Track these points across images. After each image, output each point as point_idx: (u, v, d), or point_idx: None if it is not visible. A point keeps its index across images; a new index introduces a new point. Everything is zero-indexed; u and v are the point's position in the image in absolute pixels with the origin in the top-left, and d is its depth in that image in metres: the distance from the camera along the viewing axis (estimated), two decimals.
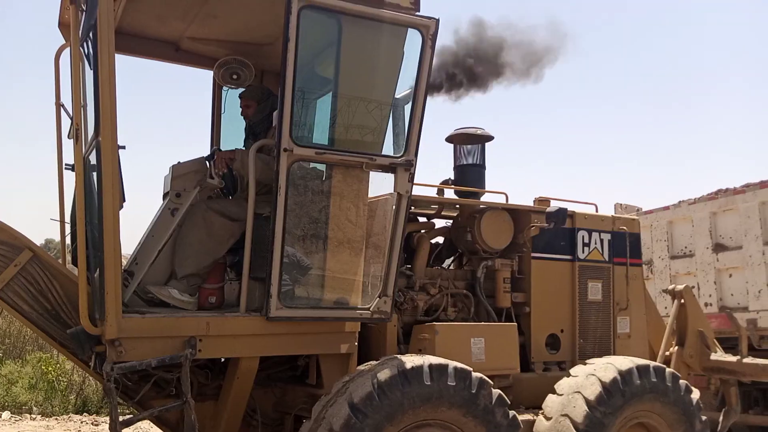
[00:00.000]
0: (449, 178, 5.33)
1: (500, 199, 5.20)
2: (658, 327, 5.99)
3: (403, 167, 3.98)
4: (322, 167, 3.97)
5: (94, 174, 3.42)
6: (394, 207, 3.96)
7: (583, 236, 5.29)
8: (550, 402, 4.38)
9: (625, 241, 5.46)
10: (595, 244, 5.33)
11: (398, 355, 3.78)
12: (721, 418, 6.09)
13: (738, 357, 5.82)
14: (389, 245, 3.91)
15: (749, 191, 7.58)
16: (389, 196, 4.06)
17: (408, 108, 4.09)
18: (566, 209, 5.02)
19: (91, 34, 3.36)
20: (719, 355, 5.86)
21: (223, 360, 3.98)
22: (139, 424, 6.40)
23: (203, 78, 5.12)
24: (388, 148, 4.13)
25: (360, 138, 4.14)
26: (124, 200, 3.72)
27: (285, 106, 3.59)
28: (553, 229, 5.01)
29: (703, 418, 4.66)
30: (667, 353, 5.80)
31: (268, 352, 3.76)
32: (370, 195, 4.08)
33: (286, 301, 3.58)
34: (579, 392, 4.24)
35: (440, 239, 5.43)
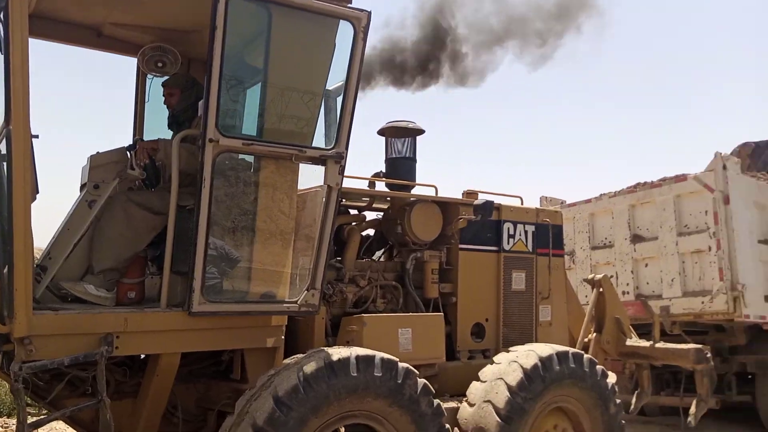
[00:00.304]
0: (380, 171, 5.36)
1: (430, 192, 5.28)
2: (578, 315, 6.26)
3: (334, 159, 3.97)
4: (250, 159, 3.91)
5: (4, 164, 3.24)
6: (323, 199, 3.95)
7: (508, 228, 5.44)
8: (474, 389, 4.50)
9: (548, 233, 5.65)
10: (520, 235, 5.49)
11: (325, 348, 3.79)
12: (633, 400, 6.45)
13: (651, 342, 6.15)
14: (318, 238, 3.90)
15: (665, 185, 8.02)
16: (319, 188, 4.05)
17: (340, 100, 4.08)
18: (493, 202, 5.15)
19: (2, 16, 3.17)
20: (634, 341, 6.18)
21: (142, 357, 3.88)
22: (54, 424, 6.16)
23: (127, 65, 4.93)
24: (319, 141, 4.12)
25: (290, 129, 4.11)
26: (37, 192, 3.54)
27: (211, 95, 3.52)
28: (480, 222, 5.13)
29: (617, 401, 4.91)
30: (586, 339, 6.07)
31: (190, 347, 3.69)
32: (300, 187, 4.06)
33: (209, 296, 3.51)
34: (501, 379, 4.38)
35: (371, 231, 5.47)
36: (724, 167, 7.44)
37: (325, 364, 3.53)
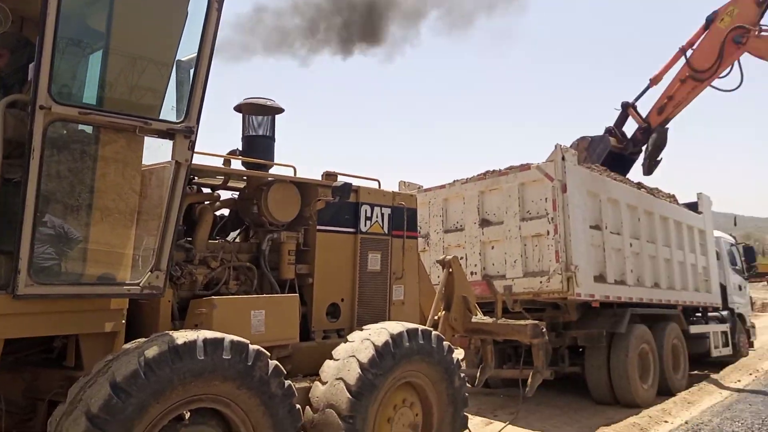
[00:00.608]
0: (236, 149, 5.20)
1: (288, 173, 5.21)
2: (429, 294, 6.54)
3: (183, 134, 3.79)
4: (91, 130, 3.62)
5: None
6: (171, 176, 3.77)
7: (366, 210, 5.53)
8: (327, 367, 4.55)
9: (403, 216, 5.82)
10: (377, 217, 5.61)
11: (170, 332, 3.63)
12: (478, 374, 6.88)
13: (494, 319, 6.59)
14: (164, 217, 3.71)
15: (511, 173, 8.56)
16: (167, 164, 3.85)
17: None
18: (351, 184, 5.20)
19: None
20: (479, 318, 6.58)
21: None
22: None
23: None
24: (168, 113, 3.91)
25: (135, 100, 3.87)
26: None
27: (44, 57, 3.20)
28: (338, 203, 5.17)
29: (462, 375, 5.22)
30: (436, 317, 6.37)
31: (16, 333, 3.36)
32: (147, 162, 3.83)
33: (38, 277, 3.22)
34: (354, 356, 4.47)
35: (226, 211, 5.31)
36: (563, 158, 8.07)
37: (169, 348, 3.38)
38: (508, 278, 8.43)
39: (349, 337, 4.77)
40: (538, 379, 6.70)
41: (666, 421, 7.36)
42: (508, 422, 7.21)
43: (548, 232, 8.08)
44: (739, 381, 10.09)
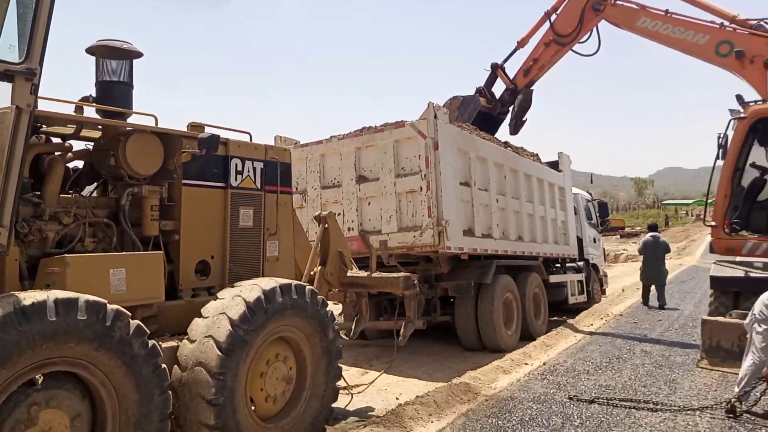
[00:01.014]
0: (90, 95, 4.80)
1: (149, 123, 4.90)
2: (305, 249, 6.52)
3: (24, 76, 3.45)
4: None
5: None
6: (12, 123, 3.42)
7: (236, 164, 5.35)
8: (196, 325, 4.44)
9: (276, 170, 5.70)
10: (248, 172, 5.45)
11: (17, 292, 3.34)
12: (353, 326, 7.02)
13: (368, 273, 6.71)
14: (5, 168, 3.39)
15: (387, 130, 8.64)
16: (7, 109, 3.48)
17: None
18: (219, 136, 5.00)
19: None
20: (354, 272, 6.68)
21: None
22: None
23: None
24: (6, 53, 3.51)
25: None
26: None
27: None
28: (205, 156, 4.95)
29: (335, 328, 5.29)
30: (312, 272, 6.38)
31: None
32: None
33: None
34: (224, 313, 4.38)
35: (80, 163, 4.92)
36: (435, 116, 8.26)
37: (16, 309, 3.12)
38: (383, 233, 8.59)
39: (219, 295, 4.67)
40: (410, 329, 6.95)
41: (526, 363, 7.95)
42: (382, 371, 7.45)
43: (421, 189, 8.30)
44: (591, 325, 11.07)
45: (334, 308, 10.97)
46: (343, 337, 9.48)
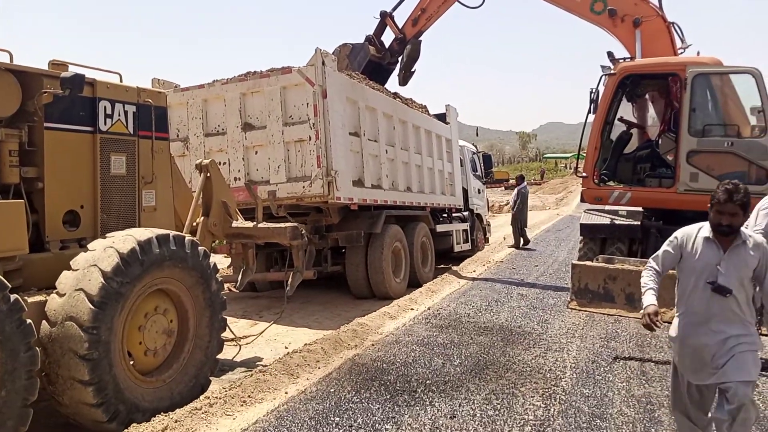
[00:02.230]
0: None
1: (3, 59, 4.42)
2: (187, 199, 6.27)
3: None
4: None
5: None
6: None
7: (105, 107, 4.98)
8: (64, 278, 4.18)
9: (151, 114, 5.37)
10: (119, 115, 5.10)
11: None
12: (239, 277, 6.89)
13: (255, 223, 6.57)
14: None
15: (273, 76, 8.36)
16: None
17: None
18: (84, 75, 4.61)
19: None
20: (239, 223, 6.52)
21: None
22: None
23: None
24: None
25: None
26: None
27: None
28: (69, 97, 4.56)
29: (219, 279, 5.16)
30: (194, 223, 6.16)
31: None
32: None
33: None
34: (95, 265, 4.15)
35: None
36: (323, 63, 8.09)
37: None
38: (271, 183, 8.42)
39: (89, 246, 4.40)
40: (298, 279, 6.93)
41: (412, 309, 8.22)
42: (272, 322, 7.42)
43: (310, 138, 8.17)
44: (474, 271, 11.59)
45: (224, 261, 10.82)
46: (231, 289, 9.35)
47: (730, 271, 3.34)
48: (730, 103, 8.18)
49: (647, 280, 3.69)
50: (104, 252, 4.23)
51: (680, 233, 3.56)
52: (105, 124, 4.97)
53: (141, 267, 4.35)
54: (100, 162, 4.96)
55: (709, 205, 3.37)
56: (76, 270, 4.18)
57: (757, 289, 3.45)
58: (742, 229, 3.41)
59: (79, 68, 4.76)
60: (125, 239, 4.37)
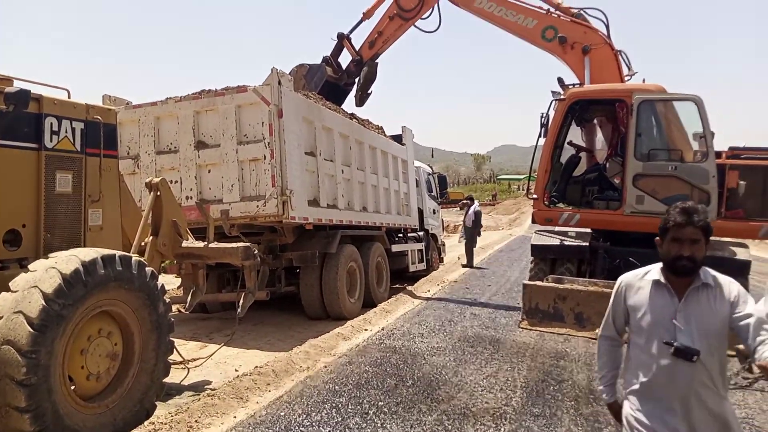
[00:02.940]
0: None
1: None
2: (136, 218, 6.13)
3: None
4: None
5: None
6: None
7: (51, 123, 4.85)
8: (2, 300, 4.02)
9: (99, 132, 5.25)
10: (66, 132, 4.97)
11: None
12: (189, 298, 6.75)
13: (206, 243, 6.46)
14: None
15: (228, 94, 8.30)
16: None
17: None
18: (29, 91, 4.49)
19: None
20: (189, 243, 6.40)
21: None
22: None
23: None
24: None
25: None
26: None
27: None
28: (13, 113, 4.43)
29: (166, 300, 5.04)
30: (143, 243, 6.01)
31: None
32: None
33: None
34: (36, 287, 4.00)
35: None
36: (279, 83, 8.08)
37: None
38: (225, 202, 8.31)
39: (30, 267, 4.24)
40: (250, 300, 6.83)
41: (366, 329, 8.19)
42: (222, 344, 7.27)
43: (265, 157, 8.12)
44: (428, 291, 11.65)
45: (175, 281, 10.57)
46: (181, 310, 9.14)
47: (691, 325, 2.48)
48: (673, 128, 8.51)
49: (601, 362, 2.87)
50: (46, 273, 4.09)
51: (622, 279, 2.76)
52: (51, 141, 4.83)
53: (84, 288, 4.21)
54: (45, 180, 4.81)
55: (658, 236, 2.59)
56: (16, 291, 4.03)
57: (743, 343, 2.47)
58: (703, 268, 2.56)
59: (25, 83, 4.64)
60: (68, 259, 4.24)
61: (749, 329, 2.40)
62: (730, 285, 2.57)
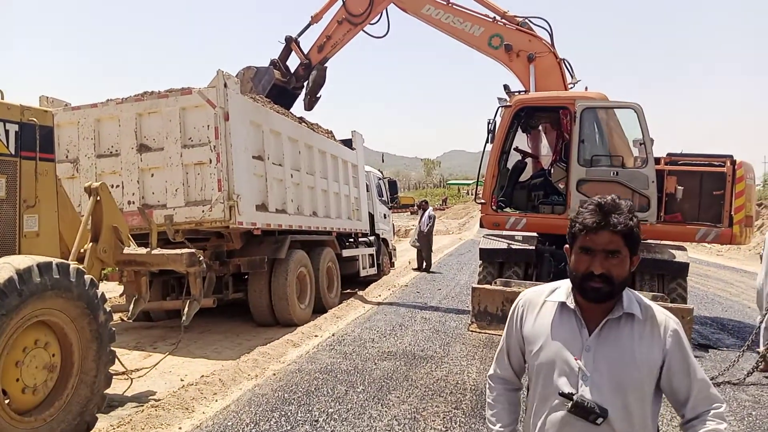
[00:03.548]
0: None
1: None
2: (74, 224, 5.89)
3: None
4: None
5: None
6: None
7: None
8: None
9: (35, 134, 5.02)
10: (0, 135, 4.73)
11: None
12: (131, 306, 6.53)
13: (148, 249, 6.27)
14: None
15: (172, 96, 8.09)
16: None
17: None
18: None
19: None
20: (131, 249, 6.19)
21: None
22: None
23: None
24: None
25: None
26: None
27: None
28: None
29: (107, 309, 4.85)
30: (82, 250, 5.79)
31: None
32: None
33: None
34: None
35: None
36: (225, 85, 7.93)
37: None
38: (169, 207, 8.09)
39: None
40: (195, 307, 6.66)
41: (316, 336, 8.11)
42: (167, 353, 7.05)
43: (211, 161, 7.94)
44: (379, 296, 11.66)
45: (118, 289, 10.22)
46: (124, 319, 8.85)
47: (601, 371, 1.81)
48: (615, 135, 8.78)
49: (492, 412, 2.11)
50: None
51: (521, 297, 2.08)
52: None
53: (19, 298, 4.00)
54: None
55: (567, 243, 1.93)
56: None
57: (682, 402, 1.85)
58: (628, 290, 1.87)
59: None
60: (2, 267, 4.02)
61: (688, 399, 1.82)
62: (666, 321, 1.86)
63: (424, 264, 15.72)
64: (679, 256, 8.28)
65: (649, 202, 8.05)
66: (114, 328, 4.98)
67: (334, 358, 6.74)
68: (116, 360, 5.12)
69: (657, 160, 8.30)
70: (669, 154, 8.59)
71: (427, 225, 15.71)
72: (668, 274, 8.14)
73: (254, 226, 8.71)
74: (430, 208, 16.81)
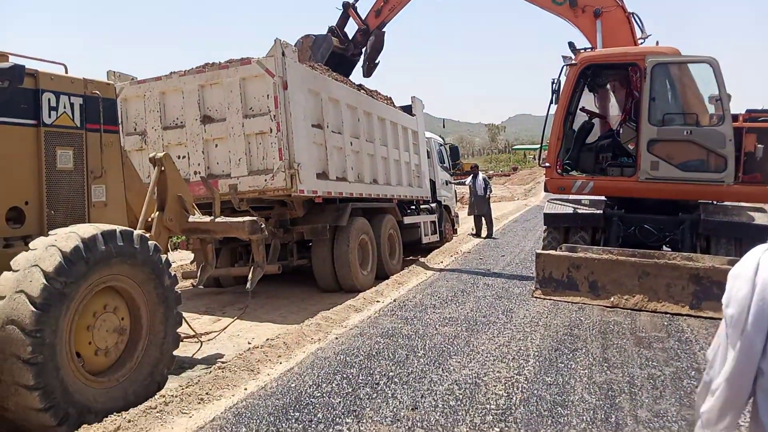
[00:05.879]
0: None
1: None
2: (141, 194, 6.09)
3: None
4: None
5: None
6: None
7: (49, 99, 4.78)
8: (5, 280, 3.99)
9: (99, 107, 5.17)
10: (65, 108, 4.89)
11: None
12: (199, 273, 6.73)
13: (212, 218, 6.42)
14: None
15: (232, 67, 8.17)
16: None
17: None
18: (24, 66, 4.42)
19: None
20: (196, 218, 6.35)
21: None
22: None
23: None
24: None
25: None
26: None
27: None
28: (9, 89, 4.37)
29: (172, 273, 5.01)
30: (149, 219, 5.98)
31: None
32: None
33: None
34: (37, 265, 3.97)
35: None
36: (283, 54, 7.93)
37: None
38: (233, 177, 8.25)
39: (31, 245, 4.21)
40: (258, 274, 6.80)
41: (378, 301, 8.15)
42: (235, 317, 7.28)
43: (271, 130, 8.01)
44: (441, 262, 11.57)
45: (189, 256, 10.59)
46: (194, 284, 9.18)
47: None
48: (688, 92, 8.26)
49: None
50: (46, 251, 4.05)
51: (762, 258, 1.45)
52: (49, 116, 4.77)
53: (86, 265, 4.18)
54: (45, 156, 4.76)
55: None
56: (17, 271, 4.00)
57: None
58: None
59: (20, 59, 4.56)
60: (68, 237, 4.19)
61: None
62: None
63: (484, 230, 15.49)
64: (759, 219, 7.77)
65: (726, 162, 7.56)
66: (180, 291, 5.14)
67: (396, 323, 6.75)
68: (186, 323, 5.30)
69: (735, 117, 7.77)
70: (748, 111, 8.01)
71: (483, 189, 15.46)
72: (746, 237, 7.66)
73: (315, 194, 8.77)
74: (481, 173, 16.59)
